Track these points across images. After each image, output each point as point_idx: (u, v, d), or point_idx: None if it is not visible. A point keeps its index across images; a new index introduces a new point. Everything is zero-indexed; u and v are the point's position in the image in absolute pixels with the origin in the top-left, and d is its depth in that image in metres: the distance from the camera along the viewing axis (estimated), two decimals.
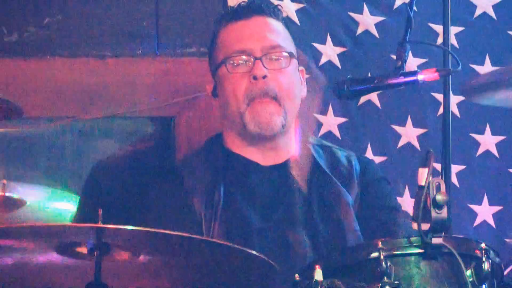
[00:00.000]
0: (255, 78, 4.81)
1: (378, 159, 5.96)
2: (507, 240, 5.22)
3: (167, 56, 6.01)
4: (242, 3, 5.34)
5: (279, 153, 4.97)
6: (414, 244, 3.90)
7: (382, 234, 4.82)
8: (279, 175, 4.94)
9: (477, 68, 5.75)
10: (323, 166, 5.01)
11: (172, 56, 5.99)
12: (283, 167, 4.95)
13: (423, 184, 3.84)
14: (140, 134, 6.09)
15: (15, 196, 4.87)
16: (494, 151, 5.95)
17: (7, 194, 4.84)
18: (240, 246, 3.78)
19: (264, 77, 4.81)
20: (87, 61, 5.94)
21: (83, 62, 5.91)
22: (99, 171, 5.11)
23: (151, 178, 4.93)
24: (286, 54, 4.91)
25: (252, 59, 4.80)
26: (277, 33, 4.95)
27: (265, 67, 4.83)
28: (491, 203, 5.84)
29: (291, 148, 5.00)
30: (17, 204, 4.88)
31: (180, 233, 4.03)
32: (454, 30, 5.17)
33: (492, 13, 5.94)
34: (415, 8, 4.67)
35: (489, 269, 3.96)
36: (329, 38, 5.88)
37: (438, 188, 3.92)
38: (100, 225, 3.59)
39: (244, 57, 4.81)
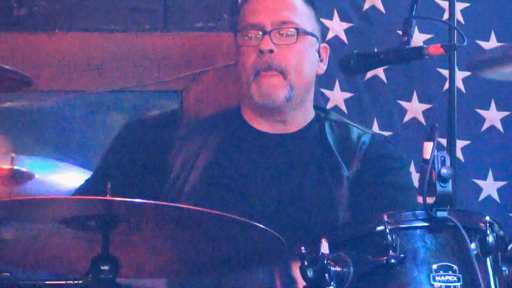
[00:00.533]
0: (261, 52, 4.91)
1: (384, 134, 5.96)
2: (511, 214, 5.24)
3: (175, 31, 6.06)
4: None
5: (288, 125, 5.06)
6: (419, 218, 3.94)
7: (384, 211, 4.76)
8: (283, 144, 5.03)
9: (482, 44, 5.76)
10: (330, 141, 5.07)
11: (179, 31, 6.05)
12: (289, 137, 5.03)
13: (428, 158, 3.87)
14: (149, 108, 6.11)
15: (23, 169, 4.90)
16: (499, 127, 5.96)
17: (15, 167, 4.91)
18: (245, 218, 3.85)
19: (271, 51, 4.89)
20: (96, 36, 6.00)
21: (92, 36, 5.97)
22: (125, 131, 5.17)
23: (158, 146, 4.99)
24: (293, 30, 4.96)
25: (261, 33, 4.89)
26: (292, 8, 5.03)
27: (272, 42, 4.90)
28: (495, 178, 5.86)
29: (302, 121, 5.09)
30: (25, 177, 4.91)
31: (188, 206, 4.07)
32: (459, 6, 5.18)
33: None
34: None
35: (494, 242, 4.00)
36: (336, 14, 5.92)
37: (443, 162, 3.96)
38: (108, 197, 3.63)
39: (254, 31, 4.88)
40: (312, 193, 4.94)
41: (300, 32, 4.98)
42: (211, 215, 3.93)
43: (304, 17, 5.06)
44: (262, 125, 5.04)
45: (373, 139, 5.24)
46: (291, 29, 4.98)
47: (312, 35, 5.10)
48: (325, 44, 5.25)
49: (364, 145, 5.22)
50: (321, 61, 5.19)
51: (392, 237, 3.87)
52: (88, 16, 5.88)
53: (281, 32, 4.93)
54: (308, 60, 5.02)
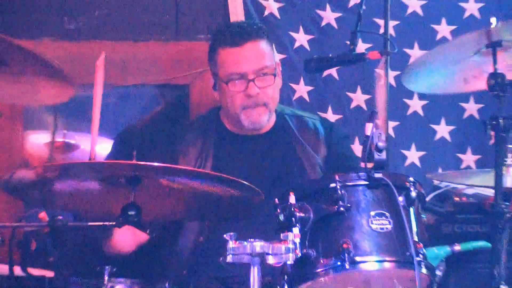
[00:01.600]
0: (249, 96, 4.83)
1: (336, 117, 6.05)
2: (428, 175, 5.23)
3: (184, 40, 5.99)
4: (237, 28, 5.31)
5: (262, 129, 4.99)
6: (361, 178, 3.98)
7: None
8: (259, 143, 4.98)
9: (408, 51, 5.79)
10: (296, 133, 5.05)
11: (187, 40, 5.96)
12: (263, 137, 4.99)
13: (368, 134, 3.88)
14: (163, 98, 6.07)
15: (72, 142, 4.94)
16: (420, 112, 5.97)
17: (66, 140, 5.01)
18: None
19: (257, 94, 4.84)
20: (124, 44, 6.00)
21: (121, 44, 5.96)
22: (130, 127, 5.12)
23: (168, 131, 4.96)
24: (271, 75, 4.92)
25: (246, 82, 4.82)
26: (264, 54, 4.97)
27: (257, 87, 4.84)
28: (417, 149, 5.87)
29: (271, 122, 5.06)
30: (74, 148, 5.00)
31: (189, 168, 4.08)
32: (391, 23, 5.17)
33: (420, 11, 5.95)
34: (364, 6, 4.68)
35: (415, 196, 4.01)
36: (301, 28, 5.91)
37: (379, 138, 3.96)
38: (135, 162, 3.67)
39: (239, 80, 4.82)
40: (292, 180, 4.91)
41: (275, 74, 4.95)
42: (203, 173, 4.18)
43: (271, 55, 5.03)
44: (237, 130, 5.02)
45: (324, 124, 5.24)
46: (270, 75, 4.93)
47: (276, 67, 5.07)
48: (278, 61, 5.22)
49: (321, 131, 5.20)
50: (279, 80, 5.16)
51: (341, 192, 3.89)
52: (119, 29, 5.87)
53: (262, 78, 4.88)
54: (278, 87, 5.02)
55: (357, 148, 5.73)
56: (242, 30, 5.05)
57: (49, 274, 4.21)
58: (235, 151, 4.95)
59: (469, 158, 5.89)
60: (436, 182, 5.12)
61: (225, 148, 4.96)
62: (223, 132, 5.03)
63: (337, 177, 4.01)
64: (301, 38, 5.96)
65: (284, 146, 5.00)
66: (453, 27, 5.98)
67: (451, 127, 5.98)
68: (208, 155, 4.80)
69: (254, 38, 4.95)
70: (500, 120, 4.05)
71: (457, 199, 5.02)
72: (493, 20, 4.23)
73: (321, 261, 3.93)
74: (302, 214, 3.90)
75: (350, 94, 6.05)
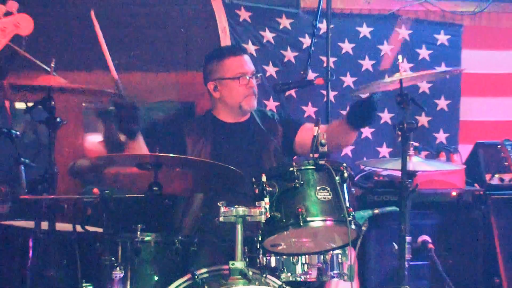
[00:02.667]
0: (250, 87, 4.87)
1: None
2: (356, 162, 5.25)
3: (192, 71, 5.90)
4: (235, 46, 5.64)
5: (243, 117, 4.99)
6: (310, 164, 4.00)
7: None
8: (241, 128, 4.95)
9: (343, 78, 5.84)
10: (259, 123, 5.01)
11: (194, 71, 5.85)
12: (244, 123, 4.99)
13: (315, 134, 3.97)
14: (177, 110, 6.01)
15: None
16: None
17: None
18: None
19: (255, 86, 4.89)
20: (150, 74, 5.90)
21: (148, 74, 5.86)
22: (153, 125, 5.11)
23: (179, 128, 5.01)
24: (259, 75, 4.99)
25: (248, 78, 4.84)
26: (252, 63, 4.97)
27: (254, 82, 4.90)
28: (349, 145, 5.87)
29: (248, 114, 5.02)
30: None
31: (193, 158, 4.16)
32: (332, 59, 5.16)
33: (350, 52, 5.96)
34: (312, 48, 4.75)
35: (347, 176, 4.08)
36: (270, 63, 5.91)
37: (322, 137, 4.05)
38: (157, 154, 3.72)
39: (243, 77, 4.81)
40: (270, 159, 4.91)
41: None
42: (203, 162, 4.16)
43: None
44: (228, 119, 4.97)
45: (277, 113, 5.34)
46: (257, 75, 4.97)
47: None
48: None
49: (276, 117, 5.15)
50: None
51: (297, 173, 3.96)
52: (146, 64, 5.83)
53: (255, 76, 4.91)
54: None
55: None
56: (239, 47, 5.35)
57: (100, 230, 4.27)
58: (226, 135, 4.91)
59: (384, 151, 5.89)
60: (362, 167, 5.17)
61: (219, 134, 4.92)
62: (217, 122, 4.98)
63: (294, 164, 4.10)
64: (271, 70, 5.92)
65: (253, 129, 4.98)
66: (373, 62, 5.99)
67: (372, 130, 5.95)
68: (208, 142, 4.81)
69: (246, 52, 5.05)
70: (405, 125, 4.18)
71: (376, 178, 5.11)
72: (399, 57, 4.34)
73: (284, 220, 4.02)
74: (270, 189, 4.00)
75: (304, 107, 5.97)
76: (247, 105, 4.90)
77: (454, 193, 5.16)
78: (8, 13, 3.29)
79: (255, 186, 4.01)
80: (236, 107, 4.90)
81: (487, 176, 5.39)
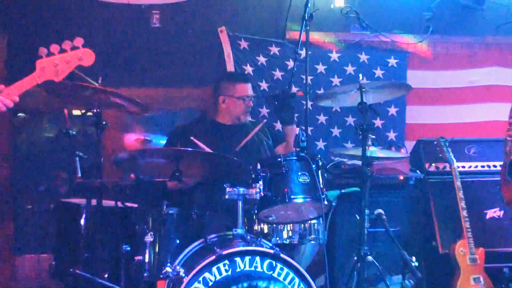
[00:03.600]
0: (248, 106, 4.86)
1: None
2: (331, 150, 5.18)
3: (204, 87, 5.81)
4: (241, 72, 5.69)
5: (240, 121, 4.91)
6: (294, 155, 3.98)
7: None
8: (240, 130, 4.84)
9: (318, 91, 5.73)
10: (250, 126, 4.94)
11: (206, 87, 5.77)
12: (241, 125, 4.89)
13: (297, 133, 3.99)
14: (189, 116, 5.87)
15: (148, 138, 4.86)
16: (324, 122, 5.90)
17: (145, 138, 4.86)
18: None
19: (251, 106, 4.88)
20: (175, 89, 5.87)
21: (173, 89, 5.83)
22: (176, 128, 5.07)
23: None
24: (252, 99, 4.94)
25: (248, 99, 4.83)
26: (252, 89, 4.94)
27: (251, 103, 4.88)
28: (323, 141, 5.88)
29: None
30: (148, 142, 4.86)
31: (208, 150, 4.11)
32: (310, 77, 5.12)
33: (323, 71, 5.94)
34: (295, 69, 4.72)
35: (321, 165, 4.07)
36: (263, 80, 5.84)
37: (303, 136, 4.03)
38: (178, 148, 3.69)
39: (246, 98, 4.81)
40: (260, 151, 4.86)
41: None
42: (213, 154, 4.06)
43: None
44: (228, 123, 4.91)
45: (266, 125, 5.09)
46: (252, 98, 4.94)
47: None
48: None
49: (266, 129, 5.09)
50: None
51: (283, 162, 3.97)
52: (171, 81, 5.78)
53: (250, 100, 4.87)
54: None
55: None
56: (247, 77, 5.33)
57: (135, 205, 4.27)
58: (224, 133, 4.84)
59: (349, 145, 5.84)
60: (332, 157, 5.14)
61: (219, 132, 4.87)
62: (214, 122, 4.93)
63: (281, 155, 4.14)
64: (264, 85, 5.86)
65: (245, 130, 4.84)
66: (340, 79, 5.94)
67: (340, 130, 5.93)
68: (213, 140, 4.69)
69: (250, 81, 4.98)
70: (364, 126, 4.16)
71: (343, 166, 5.07)
72: (360, 75, 4.32)
73: (273, 198, 4.02)
74: (263, 174, 4.00)
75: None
76: (243, 118, 4.89)
77: (401, 177, 5.14)
78: (74, 47, 3.27)
79: (252, 172, 4.01)
80: (235, 117, 4.86)
81: (426, 165, 5.39)
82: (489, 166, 5.30)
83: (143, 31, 5.65)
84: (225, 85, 4.90)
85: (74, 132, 4.44)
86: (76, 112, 4.97)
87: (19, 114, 4.47)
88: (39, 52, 3.25)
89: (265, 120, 4.92)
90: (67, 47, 3.28)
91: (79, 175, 4.35)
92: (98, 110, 4.17)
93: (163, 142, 4.91)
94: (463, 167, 5.30)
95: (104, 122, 4.16)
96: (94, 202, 4.22)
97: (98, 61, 5.17)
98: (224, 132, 4.85)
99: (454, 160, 5.11)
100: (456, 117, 6.09)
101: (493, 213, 5.24)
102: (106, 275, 4.10)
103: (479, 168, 5.38)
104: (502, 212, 5.20)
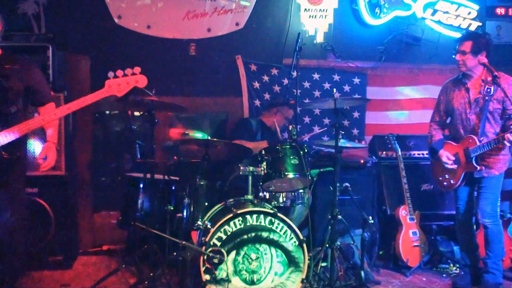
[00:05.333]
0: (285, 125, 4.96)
1: None
2: (313, 141, 5.13)
3: (223, 97, 5.75)
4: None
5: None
6: (287, 145, 3.92)
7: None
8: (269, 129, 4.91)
9: (305, 101, 5.62)
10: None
11: (223, 96, 5.72)
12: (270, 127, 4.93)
13: (290, 129, 3.95)
14: (216, 118, 5.80)
15: (186, 132, 4.67)
16: (308, 122, 5.81)
17: (185, 131, 4.69)
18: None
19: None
20: (200, 98, 5.65)
21: (199, 99, 5.63)
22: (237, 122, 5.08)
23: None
24: None
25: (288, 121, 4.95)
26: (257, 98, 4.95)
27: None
28: (307, 133, 5.77)
29: None
30: (186, 134, 4.69)
31: (224, 140, 4.06)
32: (299, 90, 5.03)
33: (308, 87, 5.79)
34: (289, 85, 4.65)
35: (307, 152, 4.04)
36: (267, 92, 5.69)
37: (293, 131, 4.00)
38: (208, 139, 3.65)
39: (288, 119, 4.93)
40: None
41: None
42: (231, 143, 3.96)
43: None
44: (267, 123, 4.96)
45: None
46: None
47: None
48: None
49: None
50: None
51: (281, 149, 3.93)
52: (197, 92, 5.62)
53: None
54: None
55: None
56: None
57: (177, 178, 4.26)
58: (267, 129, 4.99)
59: (326, 138, 5.73)
60: (314, 146, 5.08)
61: (264, 127, 5.01)
62: (262, 121, 5.06)
63: (279, 144, 4.10)
64: (267, 96, 5.70)
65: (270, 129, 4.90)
66: (320, 92, 5.81)
67: (319, 127, 5.80)
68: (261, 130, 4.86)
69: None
70: (337, 125, 4.11)
71: (321, 153, 5.00)
72: (334, 90, 4.26)
73: (273, 174, 4.00)
74: (266, 157, 3.98)
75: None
76: (278, 129, 4.98)
77: (362, 161, 5.09)
78: (133, 74, 3.29)
79: (258, 156, 3.99)
80: (273, 124, 5.02)
81: (379, 153, 5.35)
82: (423, 154, 5.27)
83: (183, 57, 5.60)
84: (285, 107, 5.07)
85: (135, 127, 4.45)
86: (137, 113, 4.99)
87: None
88: (108, 75, 3.29)
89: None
90: (128, 72, 3.30)
91: (139, 156, 4.33)
92: (152, 112, 4.16)
93: (198, 134, 4.80)
94: (405, 154, 5.25)
95: (156, 120, 4.16)
96: (148, 176, 4.20)
97: (154, 77, 5.22)
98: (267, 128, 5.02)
99: (399, 149, 5.08)
100: (400, 120, 6.04)
101: (426, 186, 5.21)
102: (156, 227, 4.09)
103: (416, 155, 5.34)
104: (432, 186, 5.17)
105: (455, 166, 4.23)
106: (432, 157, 4.42)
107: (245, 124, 5.09)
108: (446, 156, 4.25)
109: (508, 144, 3.98)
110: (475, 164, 4.11)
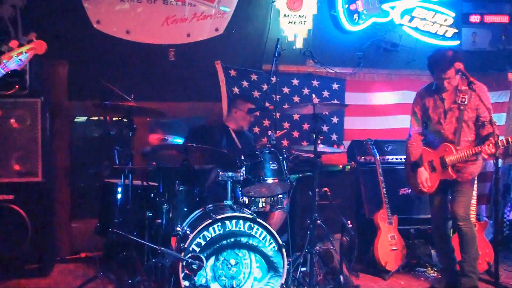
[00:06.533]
0: (250, 120, 4.90)
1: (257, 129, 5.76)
2: (292, 147, 5.12)
3: (203, 102, 5.72)
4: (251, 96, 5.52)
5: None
6: (266, 149, 3.94)
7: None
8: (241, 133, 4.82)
9: (284, 107, 5.57)
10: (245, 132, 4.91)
11: (204, 102, 5.69)
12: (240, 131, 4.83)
13: (269, 135, 3.93)
14: (193, 122, 5.75)
15: (166, 137, 4.65)
16: (288, 127, 5.90)
17: (164, 137, 4.65)
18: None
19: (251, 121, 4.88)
20: (182, 103, 5.64)
21: (181, 104, 5.62)
22: (190, 130, 4.97)
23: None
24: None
25: (251, 115, 4.88)
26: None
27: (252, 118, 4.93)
28: (287, 140, 5.71)
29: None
30: (165, 140, 4.65)
31: (203, 146, 4.03)
32: (278, 96, 4.97)
33: (288, 92, 5.78)
34: (268, 90, 4.62)
35: (285, 156, 4.04)
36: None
37: (273, 136, 4.00)
38: (186, 144, 3.61)
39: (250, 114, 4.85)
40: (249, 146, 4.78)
41: None
42: (211, 148, 3.93)
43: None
44: (235, 128, 4.83)
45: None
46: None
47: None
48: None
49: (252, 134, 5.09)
50: None
51: (260, 154, 3.92)
52: (178, 96, 5.62)
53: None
54: None
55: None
56: (254, 99, 5.20)
57: (155, 184, 4.21)
58: (231, 134, 4.76)
59: (305, 144, 5.72)
60: (293, 152, 5.06)
61: (228, 133, 4.78)
62: (225, 126, 4.84)
63: (258, 149, 4.10)
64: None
65: (243, 134, 4.83)
66: (299, 98, 5.80)
67: (298, 133, 5.77)
68: (222, 137, 4.64)
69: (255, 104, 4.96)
70: (316, 130, 4.12)
71: (301, 158, 4.98)
72: (313, 95, 4.28)
73: (252, 179, 3.99)
74: (245, 162, 3.97)
75: (263, 121, 5.66)
76: (245, 127, 4.90)
77: (340, 166, 5.12)
78: (30, 40, 3.15)
79: (238, 161, 3.97)
80: (240, 125, 4.84)
81: (358, 157, 5.38)
82: (401, 159, 5.30)
83: (163, 62, 5.56)
84: (240, 102, 4.84)
85: (114, 132, 4.40)
86: (116, 118, 4.96)
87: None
88: (2, 49, 3.11)
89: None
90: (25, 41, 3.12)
91: (117, 162, 4.29)
92: (130, 117, 4.13)
93: (177, 140, 4.79)
94: (383, 159, 5.30)
95: (134, 126, 4.13)
96: (127, 181, 4.15)
97: (133, 83, 5.19)
98: (230, 133, 4.77)
99: (377, 154, 5.12)
100: (378, 125, 6.06)
101: (404, 191, 5.25)
102: (135, 233, 4.05)
103: (394, 160, 5.38)
104: (409, 190, 5.20)
105: (426, 190, 4.33)
106: (413, 171, 4.43)
107: (202, 132, 5.00)
108: (426, 179, 4.31)
109: (485, 157, 4.02)
110: (451, 172, 4.17)
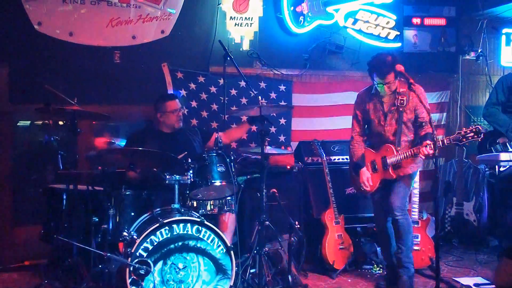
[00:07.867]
0: (179, 116, 4.61)
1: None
2: (240, 148, 5.09)
3: (150, 105, 5.47)
4: (168, 93, 5.29)
5: (174, 131, 4.64)
6: (214, 152, 3.88)
7: None
8: (176, 135, 4.62)
9: (232, 108, 5.56)
10: (186, 132, 4.72)
11: (151, 105, 5.54)
12: (175, 132, 4.63)
13: (216, 137, 3.90)
14: (141, 125, 5.49)
15: (113, 141, 4.53)
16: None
17: (111, 140, 4.56)
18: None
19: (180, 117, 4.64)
20: (129, 106, 5.57)
21: (127, 106, 5.54)
22: (132, 134, 4.84)
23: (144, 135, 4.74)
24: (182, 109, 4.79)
25: (177, 111, 4.57)
26: (180, 103, 4.66)
27: (181, 114, 4.64)
28: (235, 142, 5.63)
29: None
30: (112, 143, 4.54)
31: (151, 150, 3.97)
32: (226, 98, 4.98)
33: (235, 94, 5.78)
34: (216, 92, 4.60)
35: (233, 159, 4.02)
36: (194, 100, 5.63)
37: (220, 140, 3.99)
38: (132, 148, 3.56)
39: (175, 111, 4.56)
40: (194, 150, 4.57)
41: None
42: (157, 152, 3.88)
43: (180, 105, 4.70)
44: (167, 131, 4.62)
45: (198, 126, 5.04)
46: (183, 109, 4.83)
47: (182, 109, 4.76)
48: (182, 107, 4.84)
49: (197, 129, 4.88)
50: None
51: (207, 157, 3.89)
52: (127, 99, 5.55)
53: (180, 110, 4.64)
54: None
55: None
56: (173, 95, 4.81)
57: (101, 188, 4.13)
58: (166, 139, 4.55)
59: (253, 145, 5.74)
60: (241, 153, 5.03)
61: (162, 138, 4.56)
62: (159, 132, 4.62)
63: (205, 152, 4.07)
64: (194, 104, 5.62)
65: (181, 135, 4.66)
66: (247, 99, 5.80)
67: (247, 135, 5.64)
68: (159, 143, 4.42)
69: (177, 98, 4.70)
70: (263, 132, 4.11)
71: (249, 160, 4.95)
72: (260, 97, 4.29)
73: (200, 182, 3.96)
74: (192, 165, 3.93)
75: (211, 123, 5.64)
76: (177, 125, 4.59)
77: (288, 167, 5.16)
78: None
79: (184, 164, 3.94)
80: (171, 126, 4.60)
81: (305, 158, 5.44)
82: (347, 159, 5.37)
83: (108, 65, 5.44)
84: (159, 104, 4.62)
85: (58, 137, 4.31)
86: (60, 122, 4.84)
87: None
88: None
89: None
90: None
91: (61, 167, 4.18)
92: (74, 121, 4.05)
93: (123, 143, 4.68)
94: (330, 159, 5.37)
95: (78, 129, 4.06)
96: (71, 186, 4.08)
97: (77, 86, 5.07)
98: (165, 138, 4.59)
99: (324, 155, 5.19)
100: (325, 126, 6.15)
101: (350, 190, 5.32)
102: (81, 239, 3.97)
103: (341, 160, 5.47)
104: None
105: (368, 189, 4.42)
106: (355, 172, 4.51)
107: (140, 136, 4.78)
108: (367, 178, 4.41)
109: (423, 158, 4.18)
110: (391, 172, 4.29)
